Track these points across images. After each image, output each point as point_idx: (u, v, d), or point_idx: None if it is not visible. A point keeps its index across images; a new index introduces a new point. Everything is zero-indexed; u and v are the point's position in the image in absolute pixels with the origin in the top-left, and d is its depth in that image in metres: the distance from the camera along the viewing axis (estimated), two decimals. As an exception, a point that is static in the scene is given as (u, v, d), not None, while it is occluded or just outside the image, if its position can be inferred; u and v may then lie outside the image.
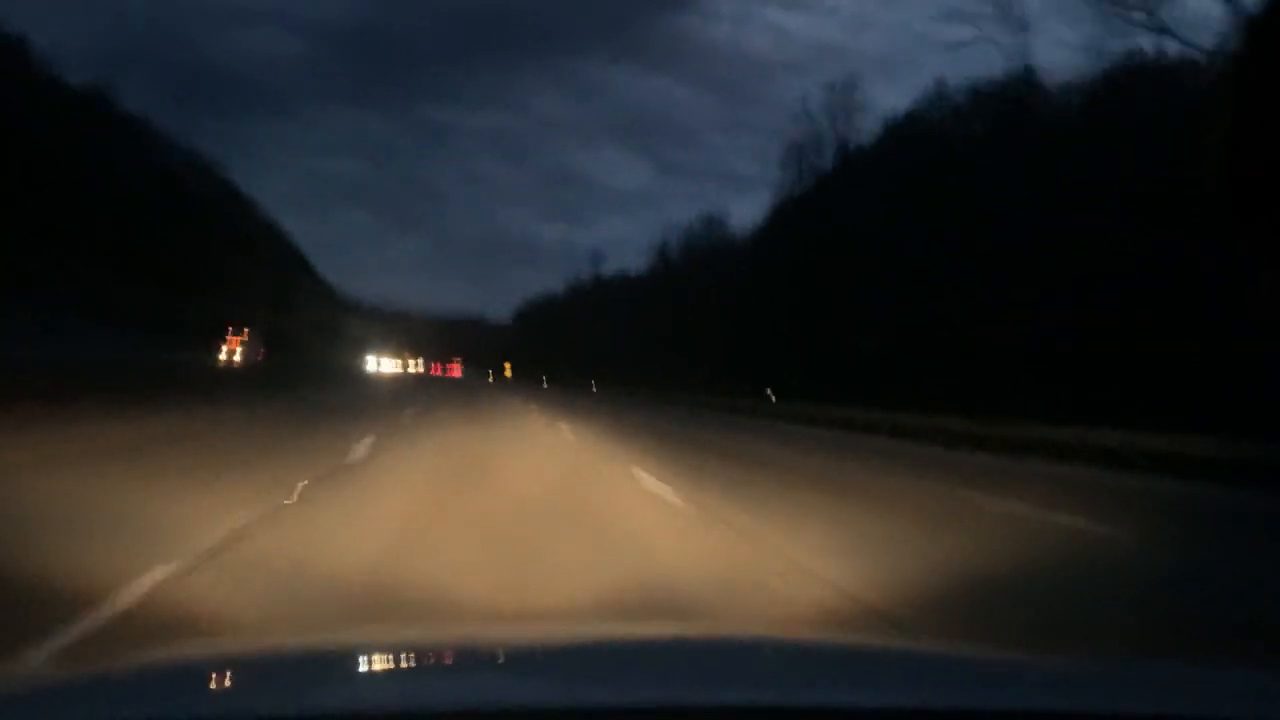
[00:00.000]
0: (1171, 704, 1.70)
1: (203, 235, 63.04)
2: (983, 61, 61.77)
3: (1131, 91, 30.92)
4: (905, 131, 46.11)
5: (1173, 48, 28.33)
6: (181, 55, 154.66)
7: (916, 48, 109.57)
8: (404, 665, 2.02)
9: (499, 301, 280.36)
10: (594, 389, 68.90)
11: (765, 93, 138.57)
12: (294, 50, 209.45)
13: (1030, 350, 28.17)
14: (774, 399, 39.23)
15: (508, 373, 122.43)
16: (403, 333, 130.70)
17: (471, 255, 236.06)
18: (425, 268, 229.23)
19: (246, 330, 58.15)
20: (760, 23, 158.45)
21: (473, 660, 2.10)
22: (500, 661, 2.09)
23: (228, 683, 1.77)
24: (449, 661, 2.09)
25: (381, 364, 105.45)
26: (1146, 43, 29.96)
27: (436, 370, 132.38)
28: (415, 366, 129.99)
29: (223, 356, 53.76)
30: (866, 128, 52.66)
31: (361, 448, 12.46)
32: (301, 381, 38.04)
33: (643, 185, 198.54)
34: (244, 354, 55.41)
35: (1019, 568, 6.63)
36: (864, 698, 1.70)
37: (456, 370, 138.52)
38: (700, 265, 65.98)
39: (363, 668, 1.97)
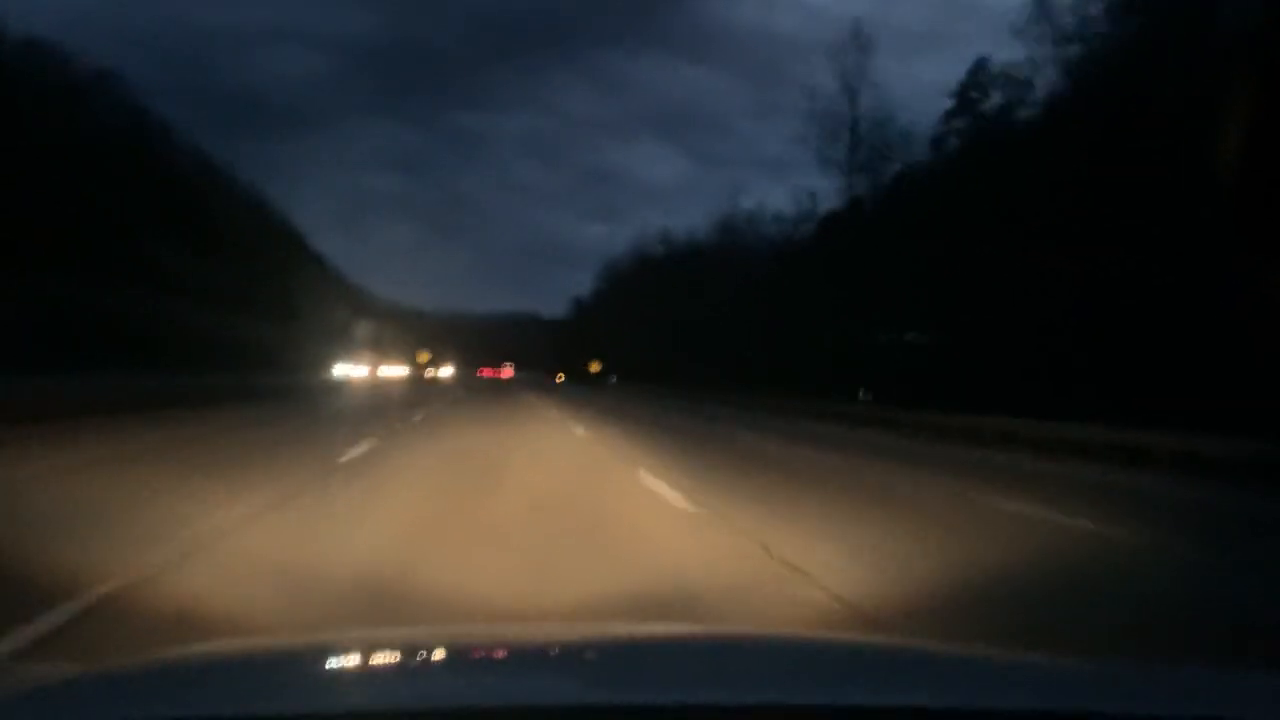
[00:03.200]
0: (1173, 705, 1.68)
1: (138, 219, 45.23)
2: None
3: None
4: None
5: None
6: (211, 78, 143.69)
7: (950, 19, 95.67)
8: (409, 665, 1.96)
9: (543, 304, 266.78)
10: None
11: (798, 74, 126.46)
12: (322, 67, 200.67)
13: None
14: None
15: (594, 369, 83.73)
16: (442, 335, 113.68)
17: (513, 260, 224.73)
18: (467, 275, 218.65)
19: None
20: (787, 0, 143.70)
21: (479, 659, 2.06)
22: (505, 660, 2.04)
23: (231, 683, 1.72)
24: (455, 661, 2.02)
25: (377, 370, 67.81)
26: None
27: (487, 373, 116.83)
28: (431, 370, 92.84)
29: None
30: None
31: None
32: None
33: (680, 178, 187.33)
34: None
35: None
36: (869, 697, 1.66)
37: (509, 372, 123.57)
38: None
39: (367, 667, 1.94)
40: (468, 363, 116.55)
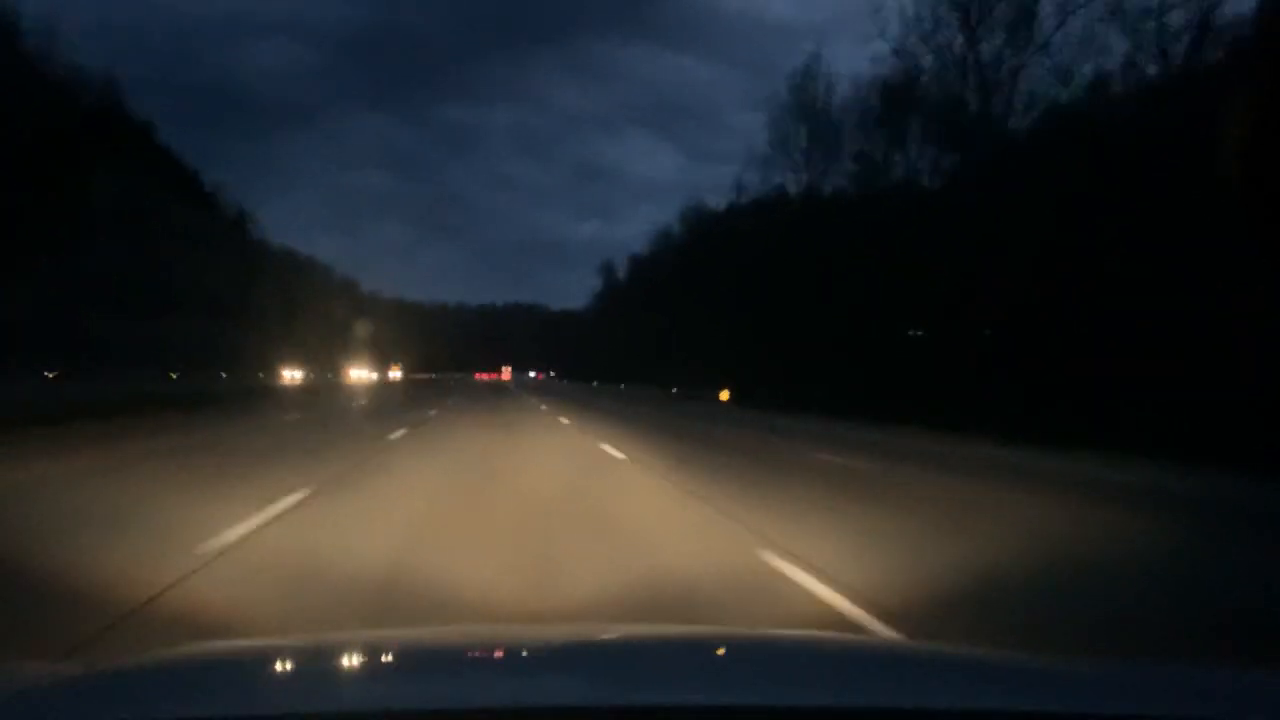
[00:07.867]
0: (1170, 705, 1.68)
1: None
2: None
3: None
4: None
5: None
6: (195, 72, 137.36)
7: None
8: (405, 665, 1.99)
9: (540, 301, 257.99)
10: None
11: (789, 64, 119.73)
12: (310, 63, 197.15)
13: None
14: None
15: None
16: (428, 329, 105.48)
17: (505, 258, 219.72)
18: (458, 276, 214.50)
19: None
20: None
21: (477, 660, 2.08)
22: (504, 661, 2.07)
23: (227, 683, 1.73)
24: (453, 661, 2.04)
25: None
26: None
27: (486, 377, 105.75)
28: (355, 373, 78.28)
29: None
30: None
31: None
32: None
33: (673, 173, 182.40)
34: None
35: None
36: (867, 698, 1.67)
37: (508, 374, 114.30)
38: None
39: (365, 668, 1.94)
40: (457, 368, 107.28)
